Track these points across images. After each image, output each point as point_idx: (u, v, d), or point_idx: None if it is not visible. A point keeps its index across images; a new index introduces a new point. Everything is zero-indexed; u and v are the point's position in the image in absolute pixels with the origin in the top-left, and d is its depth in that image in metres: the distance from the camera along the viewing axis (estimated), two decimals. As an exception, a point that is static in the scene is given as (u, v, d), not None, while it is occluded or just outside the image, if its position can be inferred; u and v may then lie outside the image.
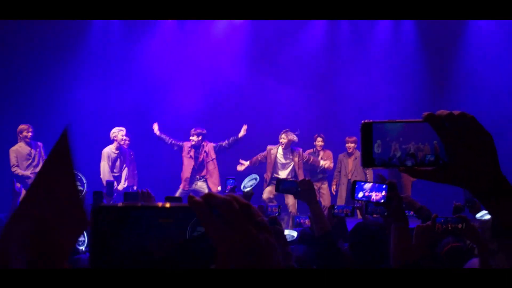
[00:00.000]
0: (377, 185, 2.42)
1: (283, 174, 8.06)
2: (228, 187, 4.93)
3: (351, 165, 8.60)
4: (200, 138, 8.02)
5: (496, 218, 0.87)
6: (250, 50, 10.20)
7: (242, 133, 8.22)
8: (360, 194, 2.47)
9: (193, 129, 8.10)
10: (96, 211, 0.62)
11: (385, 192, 2.35)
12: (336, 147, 8.85)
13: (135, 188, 7.89)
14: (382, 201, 2.35)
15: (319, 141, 8.64)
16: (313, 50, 10.34)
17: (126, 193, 3.75)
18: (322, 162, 8.48)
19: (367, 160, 0.90)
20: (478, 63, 9.76)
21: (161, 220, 0.61)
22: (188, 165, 8.06)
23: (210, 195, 0.65)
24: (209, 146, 8.08)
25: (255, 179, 5.83)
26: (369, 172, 8.27)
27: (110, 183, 6.42)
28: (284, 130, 8.18)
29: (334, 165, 8.69)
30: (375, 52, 10.27)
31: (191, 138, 8.06)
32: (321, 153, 8.64)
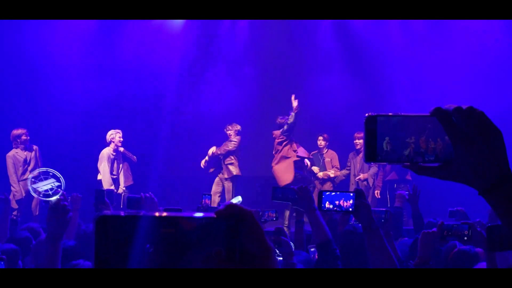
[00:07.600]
0: (344, 193, 2.39)
1: None
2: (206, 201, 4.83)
3: (359, 164, 8.06)
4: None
5: (498, 213, 0.84)
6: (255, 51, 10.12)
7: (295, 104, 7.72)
8: (327, 204, 2.42)
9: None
10: (99, 220, 0.63)
11: (353, 200, 2.30)
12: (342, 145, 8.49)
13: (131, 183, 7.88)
14: (351, 209, 2.31)
15: (320, 141, 8.19)
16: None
17: (129, 198, 3.69)
18: (317, 169, 8.17)
19: (370, 155, 0.86)
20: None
21: (163, 230, 0.62)
22: None
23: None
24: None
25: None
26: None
27: (109, 192, 6.32)
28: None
29: (344, 164, 8.26)
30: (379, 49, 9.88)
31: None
32: (325, 154, 8.16)
